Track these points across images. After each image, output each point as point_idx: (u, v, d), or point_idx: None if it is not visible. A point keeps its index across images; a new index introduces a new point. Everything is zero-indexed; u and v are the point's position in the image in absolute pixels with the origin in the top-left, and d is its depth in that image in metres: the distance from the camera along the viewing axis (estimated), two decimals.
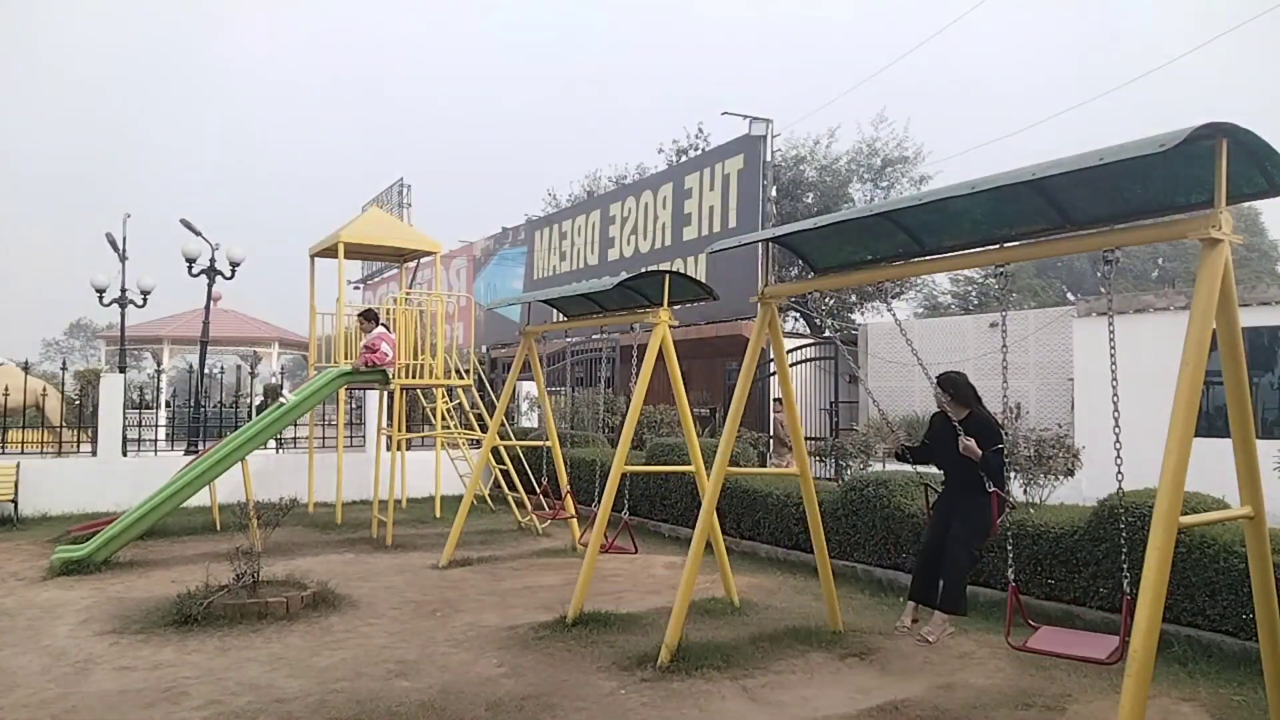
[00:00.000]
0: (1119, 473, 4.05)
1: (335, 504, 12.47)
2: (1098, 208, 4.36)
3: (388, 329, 10.94)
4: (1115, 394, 3.95)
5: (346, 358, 11.80)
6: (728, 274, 17.03)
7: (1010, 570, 4.61)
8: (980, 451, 5.35)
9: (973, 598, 7.33)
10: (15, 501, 11.61)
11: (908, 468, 6.16)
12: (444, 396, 13.23)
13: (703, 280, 8.52)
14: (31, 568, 8.79)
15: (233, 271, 16.77)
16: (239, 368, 15.52)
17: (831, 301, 26.64)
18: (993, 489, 5.35)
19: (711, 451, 6.92)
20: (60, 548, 9.04)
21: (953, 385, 5.78)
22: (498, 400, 10.67)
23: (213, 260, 16.36)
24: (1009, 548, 4.83)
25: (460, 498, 10.57)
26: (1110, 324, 4.07)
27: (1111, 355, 4.04)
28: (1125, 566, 4.01)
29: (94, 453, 12.80)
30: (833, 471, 11.50)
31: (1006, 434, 5.60)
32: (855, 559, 8.53)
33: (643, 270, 10.72)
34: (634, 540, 7.48)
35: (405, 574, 8.80)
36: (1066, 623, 6.60)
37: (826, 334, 21.29)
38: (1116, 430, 3.96)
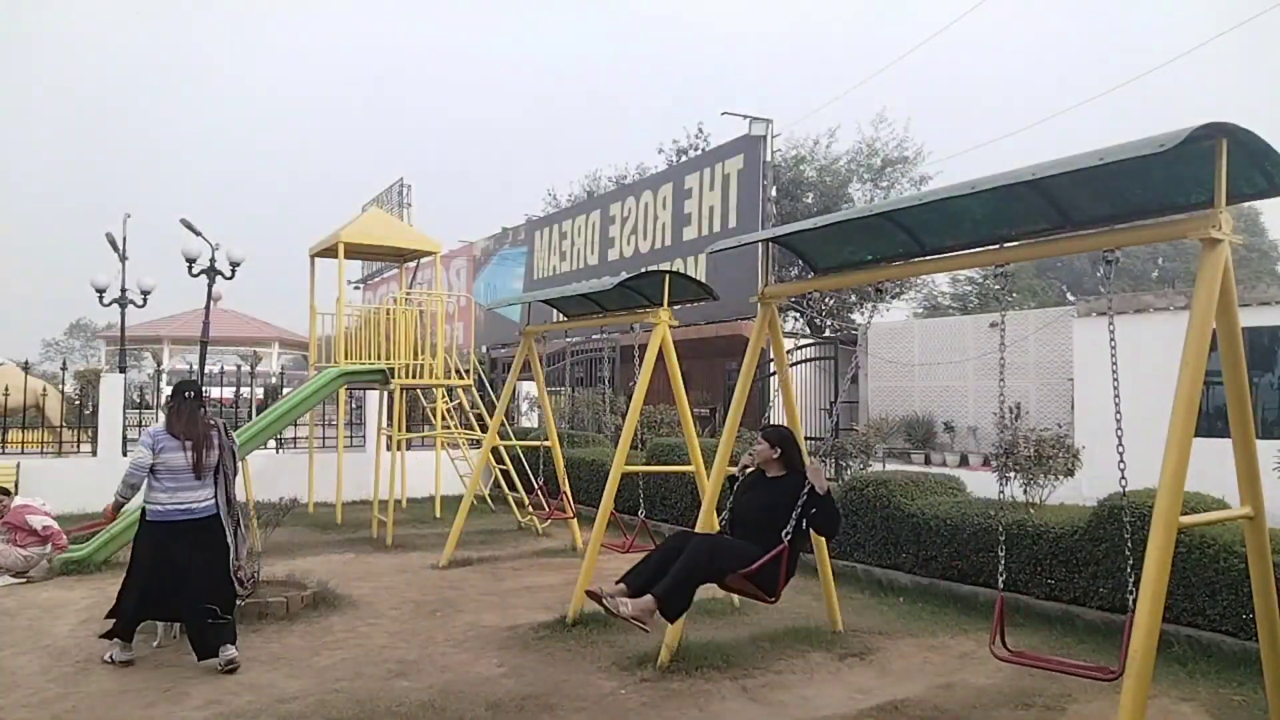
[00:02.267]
0: (1122, 478, 4.03)
1: (335, 504, 12.48)
2: (1098, 208, 4.36)
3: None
4: (1116, 394, 3.94)
5: (347, 357, 11.80)
6: (728, 274, 17.02)
7: (1001, 579, 4.47)
8: (826, 485, 4.77)
9: (972, 597, 7.35)
10: None
11: (909, 467, 6.15)
12: (444, 396, 13.24)
13: (703, 280, 8.52)
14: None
15: (233, 271, 16.78)
16: (239, 367, 15.49)
17: (831, 301, 26.63)
18: (787, 539, 4.64)
19: (711, 451, 6.93)
20: None
21: (782, 441, 5.14)
22: (498, 400, 10.67)
23: (213, 260, 16.37)
24: (1001, 554, 4.61)
25: (460, 498, 10.57)
26: (1110, 324, 4.06)
27: (1112, 355, 4.03)
28: (1131, 579, 3.94)
29: (94, 453, 12.81)
30: (833, 471, 11.49)
31: (1005, 434, 5.56)
32: (855, 559, 8.53)
33: (643, 270, 10.72)
34: (653, 539, 7.49)
35: (405, 574, 8.80)
36: (1067, 623, 6.61)
37: (826, 334, 21.28)
38: (1119, 432, 3.95)
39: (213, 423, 5.92)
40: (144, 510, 5.75)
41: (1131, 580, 3.91)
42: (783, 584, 4.70)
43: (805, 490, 4.77)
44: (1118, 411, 3.94)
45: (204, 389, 6.69)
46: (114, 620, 5.75)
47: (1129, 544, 4.15)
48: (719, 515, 5.55)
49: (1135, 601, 3.53)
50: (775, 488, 5.00)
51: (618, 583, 4.60)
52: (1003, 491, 5.00)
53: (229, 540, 5.82)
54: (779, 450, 5.11)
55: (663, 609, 4.45)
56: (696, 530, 5.79)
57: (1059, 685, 5.33)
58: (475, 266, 31.14)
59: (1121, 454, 3.96)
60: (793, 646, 6.17)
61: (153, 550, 5.67)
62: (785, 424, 5.54)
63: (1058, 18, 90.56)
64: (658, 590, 4.43)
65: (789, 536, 4.65)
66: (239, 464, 6.15)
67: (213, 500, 5.78)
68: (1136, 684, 3.38)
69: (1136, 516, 6.03)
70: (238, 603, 5.97)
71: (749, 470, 5.30)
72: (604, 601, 4.48)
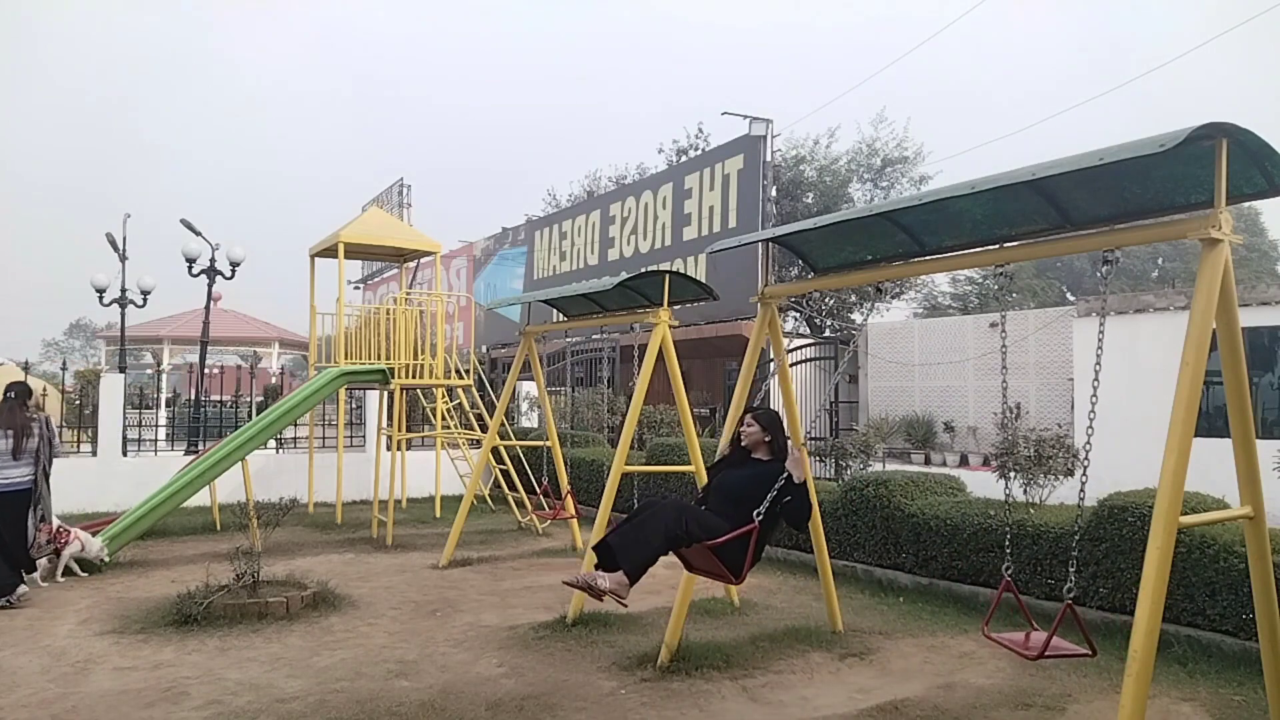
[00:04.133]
0: (1085, 476, 4.06)
1: (335, 504, 12.48)
2: (1098, 208, 4.35)
3: None
4: (1094, 394, 3.96)
5: (347, 358, 11.80)
6: (728, 274, 17.03)
7: (1007, 567, 4.47)
8: (803, 475, 4.64)
9: (972, 597, 7.35)
10: None
11: (909, 467, 6.14)
12: (444, 396, 13.24)
13: (703, 280, 8.53)
14: None
15: (233, 271, 16.78)
16: (239, 367, 15.49)
17: (831, 301, 26.62)
18: (758, 520, 4.47)
19: (711, 451, 6.92)
20: None
21: (772, 425, 5.06)
22: (498, 400, 10.67)
23: (213, 260, 16.37)
24: (1007, 546, 4.68)
25: (460, 498, 10.57)
26: (1101, 325, 4.05)
27: (1098, 355, 4.01)
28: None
29: (94, 453, 12.81)
30: (833, 471, 11.50)
31: (1005, 434, 5.54)
32: (855, 559, 8.53)
33: (643, 270, 10.71)
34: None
35: (405, 574, 8.80)
36: (1066, 623, 6.58)
37: (826, 334, 21.28)
38: (1089, 431, 3.95)
39: (34, 417, 7.60)
40: None
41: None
42: (748, 566, 4.58)
43: (784, 477, 4.68)
44: (1092, 411, 3.94)
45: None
46: None
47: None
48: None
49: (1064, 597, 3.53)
50: (759, 470, 4.89)
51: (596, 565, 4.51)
52: (1007, 483, 4.93)
53: (34, 506, 7.51)
54: (770, 435, 5.05)
55: (628, 573, 4.37)
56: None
57: (1059, 685, 5.33)
58: (475, 266, 31.14)
59: (1087, 452, 3.98)
60: (793, 646, 6.17)
61: None
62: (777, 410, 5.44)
63: (1058, 18, 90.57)
64: (623, 562, 4.35)
65: (760, 517, 4.51)
66: (55, 450, 7.80)
67: (30, 475, 7.44)
68: (1136, 684, 3.37)
69: (1136, 516, 6.04)
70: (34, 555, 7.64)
71: (739, 445, 5.20)
72: (578, 584, 4.44)
